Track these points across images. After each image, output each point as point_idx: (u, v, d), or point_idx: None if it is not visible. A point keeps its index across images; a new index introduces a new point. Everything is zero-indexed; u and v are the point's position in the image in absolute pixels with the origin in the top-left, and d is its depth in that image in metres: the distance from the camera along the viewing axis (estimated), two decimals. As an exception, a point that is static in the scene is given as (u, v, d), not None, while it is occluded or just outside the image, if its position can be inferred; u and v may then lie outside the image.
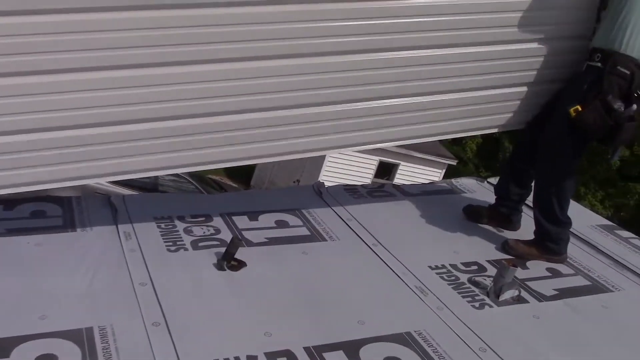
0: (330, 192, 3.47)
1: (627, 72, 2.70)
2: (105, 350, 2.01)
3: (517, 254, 3.05)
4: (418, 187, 3.81)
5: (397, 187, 3.79)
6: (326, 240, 2.97)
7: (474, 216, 3.37)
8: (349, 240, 3.00)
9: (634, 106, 2.73)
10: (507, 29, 2.88)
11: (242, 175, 16.83)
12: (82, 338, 2.05)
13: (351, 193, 3.53)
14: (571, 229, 3.24)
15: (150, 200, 3.12)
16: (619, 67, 2.71)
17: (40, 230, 2.70)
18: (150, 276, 2.45)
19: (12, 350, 1.95)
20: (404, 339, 2.29)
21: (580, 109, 2.74)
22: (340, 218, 3.19)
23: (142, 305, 2.26)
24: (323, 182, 3.58)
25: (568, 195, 3.06)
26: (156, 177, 9.78)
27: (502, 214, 3.35)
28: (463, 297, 2.65)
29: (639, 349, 2.51)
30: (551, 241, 3.07)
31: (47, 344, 2.00)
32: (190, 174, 10.60)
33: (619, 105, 2.69)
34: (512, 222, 3.34)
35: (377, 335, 2.29)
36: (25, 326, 2.07)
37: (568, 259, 3.12)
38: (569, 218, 3.08)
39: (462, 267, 2.89)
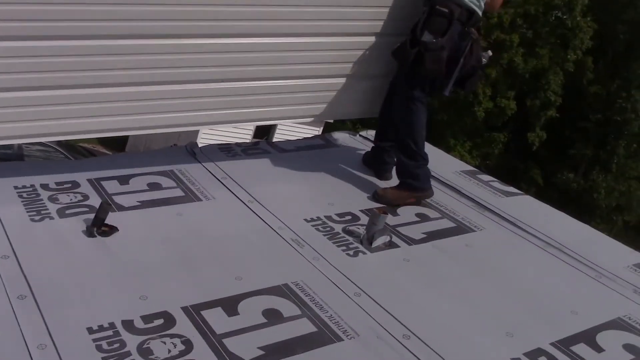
0: (204, 151, 3.42)
1: (446, 10, 3.01)
2: (-35, 329, 1.89)
3: (387, 200, 3.20)
4: (293, 143, 3.84)
5: (272, 144, 3.80)
6: (201, 200, 2.93)
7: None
8: (224, 198, 2.99)
9: (442, 39, 3.03)
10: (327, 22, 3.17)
11: (116, 142, 16.16)
12: (-62, 318, 1.92)
13: (225, 152, 3.50)
14: (437, 175, 3.44)
15: (9, 168, 2.92)
16: (437, 7, 3.02)
17: None
18: (12, 248, 2.32)
19: None
20: (282, 291, 2.34)
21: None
22: (215, 177, 3.16)
23: (4, 279, 2.14)
24: (196, 142, 3.52)
25: (420, 131, 3.26)
26: (20, 147, 9.16)
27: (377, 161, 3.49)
28: (338, 246, 2.74)
29: (497, 281, 2.72)
30: (412, 177, 3.25)
31: None
32: (59, 143, 10.04)
33: (428, 38, 3.02)
34: (386, 172, 3.47)
35: (255, 289, 2.32)
36: None
37: (436, 204, 3.29)
38: (425, 154, 3.29)
39: (337, 218, 2.97)
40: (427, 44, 3.02)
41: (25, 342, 1.88)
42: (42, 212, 2.60)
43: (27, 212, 2.58)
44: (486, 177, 3.84)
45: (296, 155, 3.63)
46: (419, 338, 2.20)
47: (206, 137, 14.11)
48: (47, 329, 1.95)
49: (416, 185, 3.25)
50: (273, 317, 2.19)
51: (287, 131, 15.24)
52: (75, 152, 10.44)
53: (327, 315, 2.23)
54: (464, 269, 2.78)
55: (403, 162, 3.26)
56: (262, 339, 2.06)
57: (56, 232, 2.48)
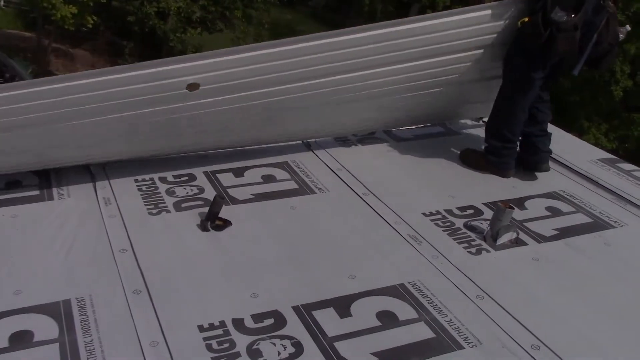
0: (318, 142, 3.34)
1: None
2: (83, 323, 1.92)
3: (468, 162, 3.21)
4: (411, 131, 3.66)
5: (388, 132, 3.64)
6: (315, 193, 2.85)
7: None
8: (338, 191, 2.89)
9: (575, 17, 2.76)
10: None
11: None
12: (59, 311, 1.96)
13: (341, 141, 3.40)
14: (570, 164, 3.16)
15: (131, 162, 2.99)
16: None
17: (16, 201, 2.59)
18: (130, 242, 2.35)
19: (-15, 329, 1.87)
20: (398, 291, 2.20)
21: (526, 19, 2.86)
22: (330, 168, 3.07)
23: (122, 273, 2.17)
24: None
25: (519, 114, 3.07)
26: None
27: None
28: (459, 243, 2.55)
29: (643, 286, 2.42)
30: (493, 154, 3.14)
31: (22, 320, 1.92)
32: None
33: (559, 15, 2.76)
34: (542, 162, 3.23)
35: (369, 289, 2.20)
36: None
37: (569, 197, 3.01)
38: (514, 136, 3.12)
39: (458, 212, 2.78)
40: (559, 24, 2.75)
41: (139, 338, 1.88)
42: (160, 205, 2.63)
43: (146, 205, 2.62)
44: (627, 166, 3.46)
45: (415, 144, 3.46)
46: (550, 349, 1.98)
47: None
48: (160, 325, 1.94)
49: (494, 162, 3.15)
50: (388, 319, 2.06)
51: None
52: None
53: (447, 320, 2.07)
54: (601, 271, 2.49)
55: (487, 137, 3.20)
56: (375, 343, 1.94)
57: (171, 225, 2.49)
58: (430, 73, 3.07)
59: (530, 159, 3.19)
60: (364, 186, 2.92)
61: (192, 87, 2.53)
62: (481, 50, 3.07)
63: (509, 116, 3.09)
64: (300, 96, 2.84)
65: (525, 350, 1.97)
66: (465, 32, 2.96)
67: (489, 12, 2.96)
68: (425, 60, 2.99)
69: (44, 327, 1.90)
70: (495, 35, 3.02)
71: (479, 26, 2.98)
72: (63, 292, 2.05)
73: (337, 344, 1.92)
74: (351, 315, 2.06)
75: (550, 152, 3.21)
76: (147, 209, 2.59)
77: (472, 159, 3.23)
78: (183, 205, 2.64)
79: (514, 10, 2.95)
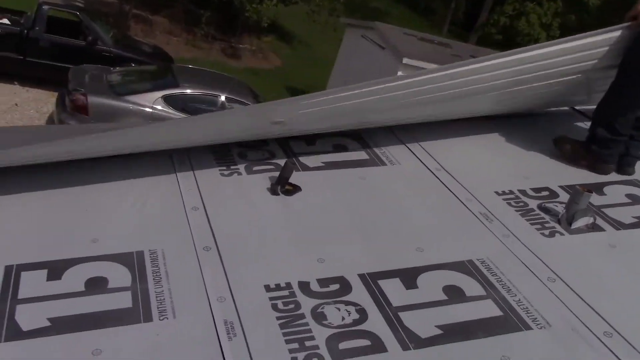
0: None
1: None
2: (155, 274, 1.98)
3: (563, 150, 3.02)
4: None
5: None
6: (386, 165, 2.82)
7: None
8: (409, 164, 2.85)
9: None
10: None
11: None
12: (132, 261, 2.03)
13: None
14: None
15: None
16: None
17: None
18: (202, 201, 2.40)
19: (64, 273, 1.96)
20: (466, 267, 2.16)
21: None
22: (401, 141, 3.02)
23: (193, 230, 2.22)
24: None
25: (635, 110, 2.89)
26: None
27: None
28: (532, 224, 2.48)
29: None
30: (599, 144, 2.93)
31: (98, 267, 2.00)
32: (258, 101, 10.54)
33: None
34: (628, 165, 3.02)
35: (436, 263, 2.17)
36: (77, 249, 2.07)
37: (650, 185, 2.87)
38: (624, 131, 2.91)
39: (532, 193, 2.70)
40: None
41: (207, 292, 1.92)
42: (232, 167, 2.66)
43: (218, 167, 2.66)
44: None
45: (492, 124, 3.36)
46: (624, 337, 1.91)
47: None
48: (228, 282, 1.98)
49: (599, 153, 2.93)
50: (454, 294, 2.03)
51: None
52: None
53: (515, 300, 2.02)
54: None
55: (595, 126, 2.99)
56: (440, 316, 1.92)
57: (242, 188, 2.53)
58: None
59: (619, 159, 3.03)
60: (436, 161, 2.87)
61: None
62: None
63: (624, 110, 2.89)
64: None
65: (596, 337, 1.90)
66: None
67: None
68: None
69: (118, 275, 1.97)
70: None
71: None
72: (137, 244, 2.12)
73: (401, 314, 1.91)
74: (417, 287, 2.04)
75: (639, 158, 3.04)
76: (220, 171, 2.63)
77: (569, 147, 3.02)
78: (254, 168, 2.67)
79: None
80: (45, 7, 11.79)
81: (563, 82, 3.04)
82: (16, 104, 10.65)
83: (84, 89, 9.24)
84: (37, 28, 11.55)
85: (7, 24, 11.64)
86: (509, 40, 27.67)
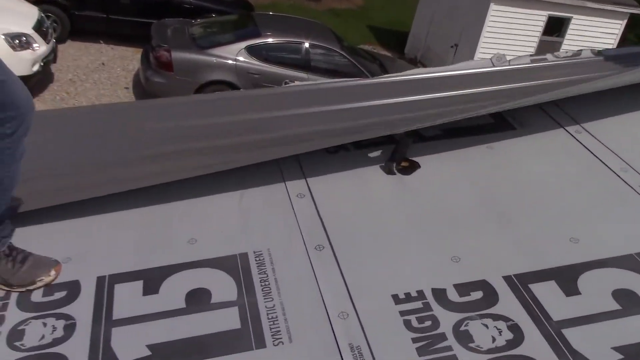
0: (513, 64, 2.82)
1: None
2: (263, 283, 1.70)
3: None
4: (627, 50, 3.00)
5: (596, 52, 3.01)
6: (514, 129, 2.40)
7: None
8: (544, 127, 2.41)
9: None
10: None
11: (395, 43, 15.98)
12: (236, 267, 1.75)
13: (540, 64, 2.85)
14: None
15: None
16: None
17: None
18: (308, 186, 2.08)
19: (161, 285, 1.70)
20: (636, 263, 1.75)
21: None
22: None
23: (301, 224, 1.91)
24: (504, 54, 2.92)
25: None
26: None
27: None
28: None
29: None
30: None
31: (198, 275, 1.73)
32: (343, 45, 10.06)
33: None
34: None
35: (597, 258, 1.77)
36: (174, 254, 1.80)
37: None
38: None
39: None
40: None
41: (325, 306, 1.62)
42: (337, 142, 2.32)
43: (322, 141, 2.32)
44: None
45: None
46: None
47: (489, 35, 13.12)
48: (348, 291, 1.67)
49: None
50: (628, 301, 1.63)
51: (583, 26, 13.42)
52: (356, 54, 10.38)
53: None
54: None
55: None
56: (616, 334, 1.54)
57: (352, 166, 2.19)
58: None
59: None
60: (575, 121, 2.42)
61: None
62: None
63: None
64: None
65: None
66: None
67: None
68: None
69: (222, 285, 1.70)
70: None
71: None
72: (239, 244, 1.83)
73: (565, 332, 1.54)
74: (579, 293, 1.66)
75: None
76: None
77: None
78: (363, 141, 2.32)
79: None
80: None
81: None
82: (103, 63, 10.67)
83: (167, 45, 9.08)
84: (117, -15, 11.45)
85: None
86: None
